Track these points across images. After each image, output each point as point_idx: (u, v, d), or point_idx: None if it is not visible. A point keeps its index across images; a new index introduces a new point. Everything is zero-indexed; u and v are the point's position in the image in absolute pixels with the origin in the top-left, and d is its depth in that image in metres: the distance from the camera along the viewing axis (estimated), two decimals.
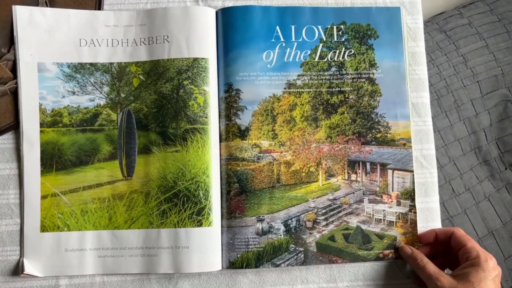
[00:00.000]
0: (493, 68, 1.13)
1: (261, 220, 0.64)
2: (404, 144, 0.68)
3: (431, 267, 0.59)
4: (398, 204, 0.67)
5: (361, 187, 0.68)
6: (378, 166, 0.68)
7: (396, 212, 0.66)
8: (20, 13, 0.64)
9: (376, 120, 0.68)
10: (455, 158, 1.09)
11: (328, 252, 0.64)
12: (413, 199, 0.67)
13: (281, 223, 0.65)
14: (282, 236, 0.64)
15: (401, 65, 0.69)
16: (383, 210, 0.67)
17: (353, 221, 0.66)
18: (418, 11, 0.72)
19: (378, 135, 0.68)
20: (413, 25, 0.71)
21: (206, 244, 0.62)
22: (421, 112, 0.70)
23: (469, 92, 1.12)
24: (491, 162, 1.11)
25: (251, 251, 0.63)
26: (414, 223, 0.66)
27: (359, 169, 0.68)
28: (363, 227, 0.66)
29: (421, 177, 0.68)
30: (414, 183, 0.67)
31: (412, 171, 0.67)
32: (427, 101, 0.70)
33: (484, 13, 1.19)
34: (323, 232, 0.65)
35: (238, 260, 0.63)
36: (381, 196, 0.67)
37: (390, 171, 0.68)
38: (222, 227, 0.64)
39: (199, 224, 0.62)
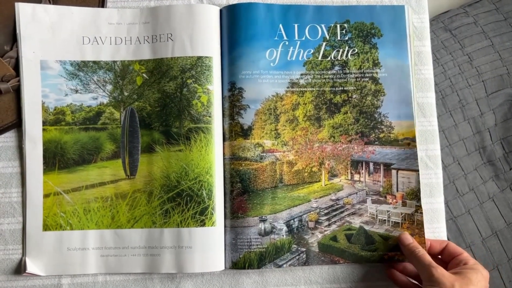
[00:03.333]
0: (498, 67, 1.12)
1: (263, 221, 0.64)
2: (409, 144, 0.67)
3: (429, 257, 0.58)
4: (404, 204, 0.66)
5: (364, 187, 0.67)
6: (382, 166, 0.67)
7: (401, 213, 0.66)
8: (23, 10, 0.64)
9: (379, 120, 0.67)
10: (459, 158, 1.09)
11: (330, 252, 0.64)
12: (419, 199, 0.66)
13: (284, 223, 0.64)
14: (284, 236, 0.64)
15: (405, 64, 0.68)
16: (388, 211, 0.66)
17: (356, 222, 0.66)
18: (424, 10, 0.71)
19: (381, 135, 0.67)
20: (419, 24, 0.71)
21: (209, 244, 0.62)
22: (426, 112, 0.69)
23: (474, 91, 1.11)
24: (495, 162, 1.10)
25: (253, 251, 0.63)
26: (421, 224, 0.65)
27: (362, 169, 0.68)
28: (367, 227, 0.65)
29: (426, 177, 0.68)
30: (419, 183, 0.66)
31: (417, 171, 0.66)
32: (432, 101, 0.69)
33: (489, 12, 1.18)
34: (325, 232, 0.65)
35: (241, 260, 0.62)
36: (385, 197, 0.67)
37: (394, 171, 0.67)
38: (225, 227, 0.64)
39: (202, 224, 0.62)
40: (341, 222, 0.66)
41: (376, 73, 0.68)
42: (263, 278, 0.65)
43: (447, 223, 0.84)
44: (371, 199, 0.67)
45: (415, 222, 0.65)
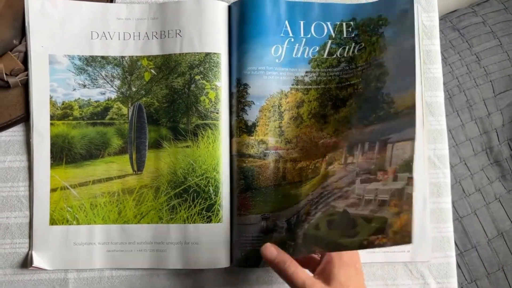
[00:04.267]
0: (506, 67, 1.11)
1: (265, 218, 0.63)
2: (408, 114, 0.56)
3: (302, 274, 0.50)
4: (395, 179, 0.53)
5: (355, 168, 0.59)
6: (377, 143, 0.58)
7: (390, 189, 0.53)
8: (32, 4, 0.64)
9: (381, 100, 0.61)
10: (466, 158, 1.08)
11: (313, 243, 0.57)
12: (411, 171, 0.51)
13: (285, 221, 0.63)
14: (285, 234, 0.63)
15: (410, 40, 0.59)
16: (376, 189, 0.55)
17: (341, 205, 0.56)
18: (434, 9, 0.71)
19: (381, 113, 0.60)
20: (428, 22, 0.70)
21: (215, 241, 0.62)
22: (435, 111, 0.69)
23: (481, 91, 1.10)
24: (502, 163, 1.09)
25: (256, 249, 0.62)
26: (410, 198, 0.50)
27: (357, 150, 0.60)
28: (351, 210, 0.55)
29: (434, 177, 0.67)
30: (413, 152, 0.52)
31: (413, 138, 0.52)
32: (441, 100, 0.69)
33: (498, 12, 1.18)
34: (311, 222, 0.58)
35: (243, 258, 0.62)
36: (376, 174, 0.56)
37: (389, 146, 0.56)
38: (231, 223, 0.64)
39: (209, 220, 0.62)
40: (325, 208, 0.58)
41: (382, 57, 0.63)
42: (268, 275, 0.65)
43: (453, 223, 0.83)
44: (360, 179, 0.57)
45: (404, 197, 0.51)
